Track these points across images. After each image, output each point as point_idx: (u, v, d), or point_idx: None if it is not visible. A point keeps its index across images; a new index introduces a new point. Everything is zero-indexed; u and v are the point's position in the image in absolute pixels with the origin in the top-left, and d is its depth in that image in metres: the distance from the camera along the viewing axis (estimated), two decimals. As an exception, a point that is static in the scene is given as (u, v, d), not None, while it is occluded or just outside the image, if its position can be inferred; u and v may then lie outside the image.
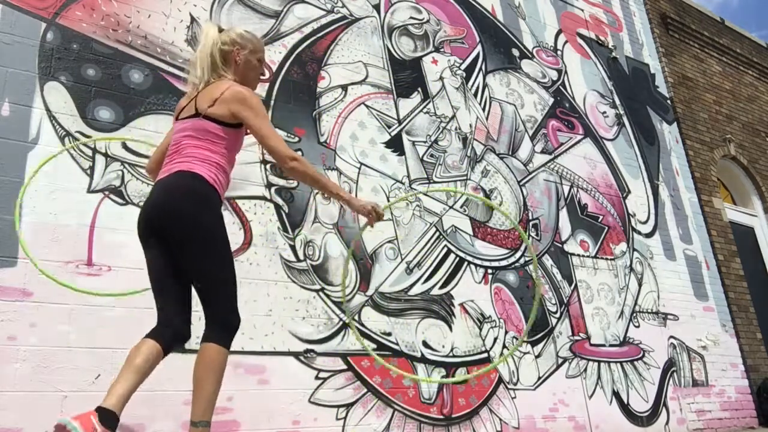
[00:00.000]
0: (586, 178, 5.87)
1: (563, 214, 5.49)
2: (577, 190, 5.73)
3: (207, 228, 2.21)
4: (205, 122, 2.33)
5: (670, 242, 6.31)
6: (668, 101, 7.35)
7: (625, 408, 5.02)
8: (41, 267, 2.95)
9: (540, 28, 6.32)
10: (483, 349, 4.39)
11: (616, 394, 5.01)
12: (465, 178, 4.92)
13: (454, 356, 4.23)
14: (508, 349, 4.51)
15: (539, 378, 4.59)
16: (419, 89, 4.97)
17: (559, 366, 4.75)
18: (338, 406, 3.63)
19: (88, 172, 3.29)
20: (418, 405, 3.93)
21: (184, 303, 2.29)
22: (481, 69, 5.53)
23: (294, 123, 4.15)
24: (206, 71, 2.43)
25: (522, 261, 4.94)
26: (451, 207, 4.71)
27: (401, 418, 3.83)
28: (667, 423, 5.26)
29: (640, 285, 5.75)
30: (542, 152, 5.62)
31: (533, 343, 4.70)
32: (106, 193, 3.30)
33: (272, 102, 4.11)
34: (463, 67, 5.38)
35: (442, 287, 4.38)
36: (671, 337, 5.75)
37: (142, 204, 2.41)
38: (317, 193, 4.04)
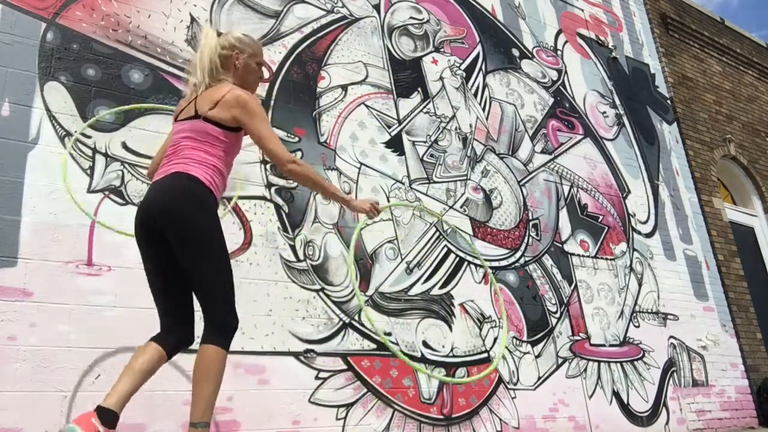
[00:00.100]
0: (586, 178, 5.87)
1: (563, 214, 5.49)
2: (577, 190, 5.73)
3: (202, 230, 2.22)
4: (205, 124, 2.34)
5: (670, 242, 6.31)
6: (668, 101, 7.35)
7: (625, 408, 5.02)
8: (41, 265, 2.96)
9: (540, 28, 6.32)
10: (483, 349, 4.39)
11: (616, 394, 5.01)
12: (465, 178, 4.92)
13: (454, 356, 4.23)
14: (507, 348, 4.51)
15: (539, 378, 4.59)
16: (419, 89, 4.97)
17: (559, 366, 4.75)
18: (338, 406, 3.63)
19: (88, 172, 3.29)
20: (418, 405, 3.93)
21: (185, 305, 2.31)
22: (481, 69, 5.53)
23: (294, 123, 4.15)
24: (206, 75, 2.44)
25: (522, 261, 4.94)
26: (451, 207, 4.71)
27: (401, 418, 3.83)
28: (667, 423, 5.26)
29: (640, 285, 5.75)
30: (542, 152, 5.62)
31: (533, 343, 4.70)
32: (106, 193, 3.30)
33: (272, 102, 4.11)
34: (463, 67, 5.38)
35: (442, 287, 4.38)
36: (671, 337, 5.75)
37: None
38: (317, 194, 4.04)
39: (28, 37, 3.32)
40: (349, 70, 4.60)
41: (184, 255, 2.21)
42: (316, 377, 3.62)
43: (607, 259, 5.61)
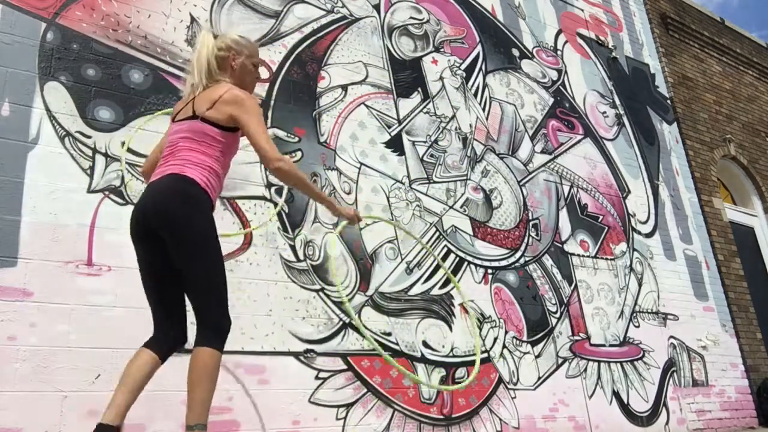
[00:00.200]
0: (586, 178, 5.87)
1: (563, 214, 5.49)
2: (577, 190, 5.73)
3: (197, 232, 2.22)
4: (203, 125, 2.34)
5: (670, 242, 6.31)
6: (668, 101, 7.35)
7: (625, 408, 5.02)
8: (41, 265, 2.96)
9: (540, 28, 6.32)
10: (483, 349, 4.39)
11: (616, 394, 5.01)
12: (465, 178, 4.92)
13: (454, 356, 4.23)
14: (507, 349, 4.51)
15: (539, 378, 4.59)
16: (419, 89, 4.97)
17: (559, 366, 4.75)
18: (338, 406, 3.63)
19: (88, 172, 3.29)
20: (418, 405, 3.93)
21: (179, 305, 2.33)
22: (481, 69, 5.53)
23: (294, 123, 4.15)
24: (203, 76, 2.46)
25: (522, 261, 4.94)
26: (451, 207, 4.71)
27: (401, 418, 3.83)
28: (667, 423, 5.26)
29: (640, 285, 5.75)
30: (542, 152, 5.62)
31: (533, 343, 4.70)
32: (106, 193, 3.30)
33: (272, 102, 4.11)
34: (463, 67, 5.38)
35: (442, 287, 4.38)
36: (671, 337, 5.75)
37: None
38: (317, 193, 4.04)
39: (28, 37, 3.32)
40: (349, 70, 4.60)
41: (179, 256, 2.22)
42: (316, 377, 3.62)
43: (607, 259, 5.61)
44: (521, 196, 5.23)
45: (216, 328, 2.21)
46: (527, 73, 5.91)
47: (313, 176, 4.08)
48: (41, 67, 3.30)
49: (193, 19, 3.98)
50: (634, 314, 5.54)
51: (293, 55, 4.35)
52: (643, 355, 5.41)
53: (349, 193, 4.20)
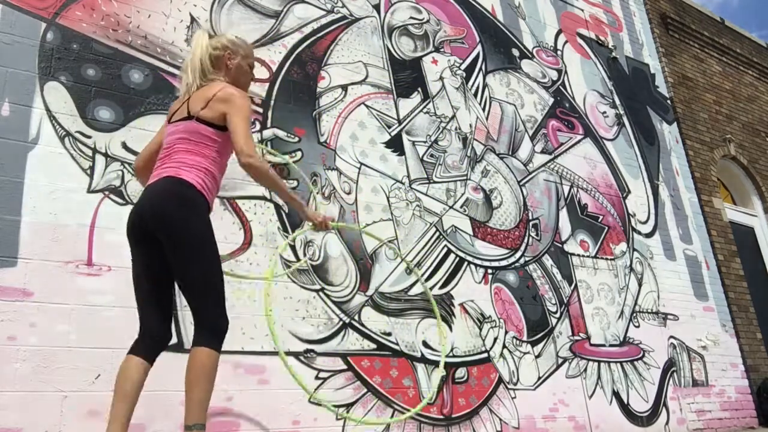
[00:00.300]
0: (586, 178, 5.87)
1: (563, 214, 5.49)
2: (577, 190, 5.73)
3: (194, 234, 2.23)
4: (198, 125, 2.35)
5: (670, 242, 6.31)
6: (668, 101, 7.35)
7: (625, 408, 5.02)
8: (41, 265, 2.96)
9: (540, 28, 6.32)
10: (483, 349, 4.39)
11: (616, 394, 5.01)
12: (465, 178, 4.92)
13: (454, 356, 4.23)
14: (507, 349, 4.51)
15: (539, 378, 4.59)
16: (419, 89, 4.97)
17: (559, 366, 4.75)
18: (338, 406, 3.63)
19: (88, 172, 3.29)
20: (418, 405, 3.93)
21: (169, 306, 2.35)
22: (481, 69, 5.53)
23: (294, 123, 4.15)
24: (197, 75, 2.47)
25: (522, 261, 4.94)
26: (451, 207, 4.71)
27: (401, 418, 3.83)
28: (667, 423, 5.26)
29: (640, 285, 5.75)
30: (542, 152, 5.62)
31: (533, 343, 4.70)
32: (106, 193, 3.30)
33: (272, 102, 4.11)
34: (463, 67, 5.38)
35: (442, 287, 4.38)
36: (671, 337, 5.75)
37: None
38: (317, 193, 4.04)
39: (28, 37, 3.32)
40: (349, 70, 4.60)
41: (176, 259, 2.24)
42: (316, 377, 3.62)
43: (607, 259, 5.61)
44: (521, 196, 5.23)
45: (213, 329, 2.22)
46: (527, 73, 5.91)
47: (313, 176, 4.08)
48: (41, 67, 3.30)
49: (193, 19, 3.98)
50: (634, 314, 5.54)
51: (293, 55, 4.35)
52: (643, 355, 5.41)
53: (349, 193, 4.20)
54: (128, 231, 2.34)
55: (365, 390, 3.77)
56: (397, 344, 4.00)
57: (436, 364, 4.12)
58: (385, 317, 4.02)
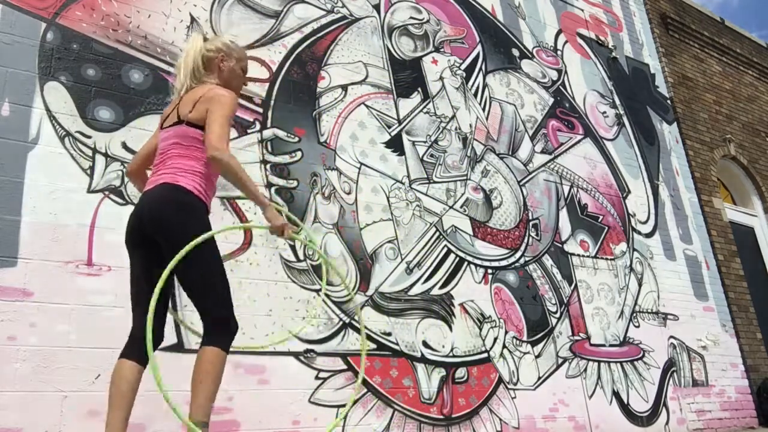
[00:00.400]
0: (586, 178, 5.87)
1: (563, 214, 5.49)
2: (577, 190, 5.73)
3: (192, 237, 2.23)
4: (187, 128, 2.36)
5: (670, 242, 6.31)
6: (668, 101, 7.35)
7: (625, 408, 5.02)
8: (41, 265, 2.96)
9: (540, 28, 6.32)
10: (483, 349, 4.39)
11: (616, 394, 5.01)
12: (465, 178, 4.92)
13: (454, 356, 4.23)
14: (507, 349, 4.51)
15: (539, 378, 4.59)
16: (419, 89, 4.97)
17: (559, 366, 4.75)
18: (338, 406, 3.63)
19: (88, 172, 3.29)
20: (418, 405, 3.93)
21: (166, 308, 2.37)
22: (481, 69, 5.53)
23: (294, 123, 4.15)
24: (188, 77, 2.47)
25: (522, 261, 4.94)
26: (451, 207, 4.71)
27: (401, 418, 3.83)
28: (667, 423, 5.26)
29: (640, 285, 5.75)
30: (542, 152, 5.62)
31: (533, 343, 4.70)
32: (106, 193, 3.30)
33: (272, 102, 4.11)
34: (463, 67, 5.38)
35: (442, 287, 4.38)
36: (671, 337, 5.75)
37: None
38: (317, 193, 4.04)
39: (28, 37, 3.32)
40: (349, 70, 4.60)
41: (179, 265, 2.24)
42: (316, 377, 3.62)
43: (607, 259, 5.61)
44: (521, 196, 5.23)
45: (221, 328, 2.25)
46: (527, 73, 5.91)
47: (313, 176, 4.08)
48: (41, 67, 3.31)
49: (193, 19, 3.98)
50: (634, 314, 5.54)
51: (293, 55, 4.35)
52: (643, 355, 5.41)
53: (349, 193, 4.21)
54: (127, 236, 2.37)
55: (365, 390, 3.77)
56: (397, 344, 4.00)
57: (436, 364, 4.12)
58: (385, 317, 4.02)
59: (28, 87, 3.24)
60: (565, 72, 6.29)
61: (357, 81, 4.60)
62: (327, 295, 3.85)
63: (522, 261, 4.94)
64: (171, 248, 2.23)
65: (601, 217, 5.79)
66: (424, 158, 4.74)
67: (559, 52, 6.36)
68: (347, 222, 4.11)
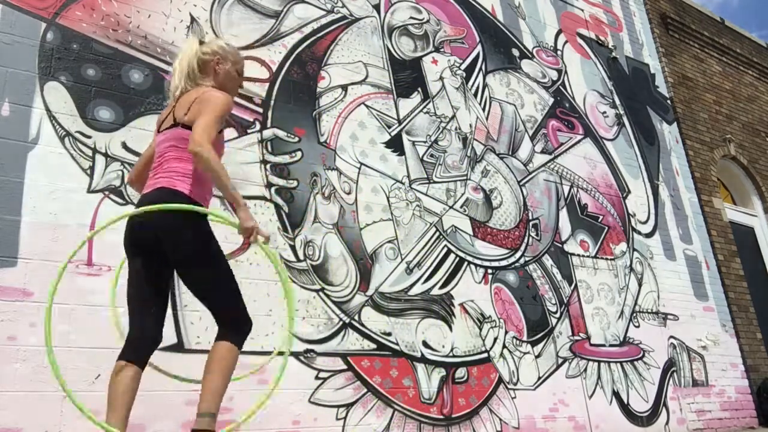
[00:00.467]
0: (586, 178, 5.87)
1: (563, 214, 5.49)
2: (577, 190, 5.73)
3: (192, 240, 2.24)
4: (183, 131, 2.36)
5: (670, 242, 6.31)
6: (668, 101, 7.35)
7: (625, 408, 5.02)
8: (41, 265, 2.96)
9: (540, 28, 6.32)
10: (483, 349, 4.39)
11: (616, 394, 5.01)
12: (465, 178, 4.92)
13: (454, 356, 4.23)
14: (507, 349, 4.51)
15: (539, 378, 4.59)
16: (419, 89, 4.97)
17: (559, 366, 4.75)
18: (338, 406, 3.64)
19: (88, 172, 3.29)
20: (418, 405, 3.93)
21: (161, 313, 2.36)
22: (481, 69, 5.53)
23: (294, 123, 4.15)
24: (183, 79, 2.47)
25: (522, 261, 4.94)
26: (451, 207, 4.71)
27: (401, 418, 3.83)
28: (667, 423, 5.26)
29: (640, 285, 5.75)
30: (542, 152, 5.62)
31: (533, 343, 4.70)
32: (106, 193, 3.30)
33: (272, 102, 4.11)
34: (463, 67, 5.38)
35: (442, 287, 4.38)
36: (671, 337, 5.75)
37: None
38: (317, 193, 4.04)
39: (28, 37, 3.32)
40: (349, 70, 4.60)
41: (182, 269, 2.29)
42: (316, 377, 3.62)
43: (607, 259, 5.61)
44: (521, 196, 5.23)
45: (235, 326, 2.31)
46: (527, 73, 5.91)
47: (313, 176, 4.08)
48: (41, 67, 3.31)
49: (193, 19, 3.98)
50: (634, 314, 5.54)
51: (293, 55, 4.35)
52: (643, 355, 5.41)
53: (349, 193, 4.21)
54: (125, 240, 2.37)
55: (365, 390, 3.77)
56: (397, 344, 4.00)
57: (436, 364, 4.12)
58: (385, 317, 4.02)
59: (28, 87, 3.24)
60: (565, 72, 6.29)
61: (357, 81, 4.60)
62: (327, 295, 3.85)
63: (522, 261, 4.94)
64: (174, 258, 2.26)
65: (601, 217, 5.79)
66: (424, 158, 4.74)
67: (559, 52, 6.36)
68: (347, 222, 4.11)
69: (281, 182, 3.93)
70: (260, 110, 4.03)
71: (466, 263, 4.58)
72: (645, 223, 6.18)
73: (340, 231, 4.05)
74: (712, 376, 5.93)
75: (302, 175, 4.04)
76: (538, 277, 4.98)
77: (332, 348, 3.74)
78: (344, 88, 4.51)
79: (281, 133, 4.05)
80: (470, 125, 5.17)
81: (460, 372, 4.21)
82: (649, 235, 6.13)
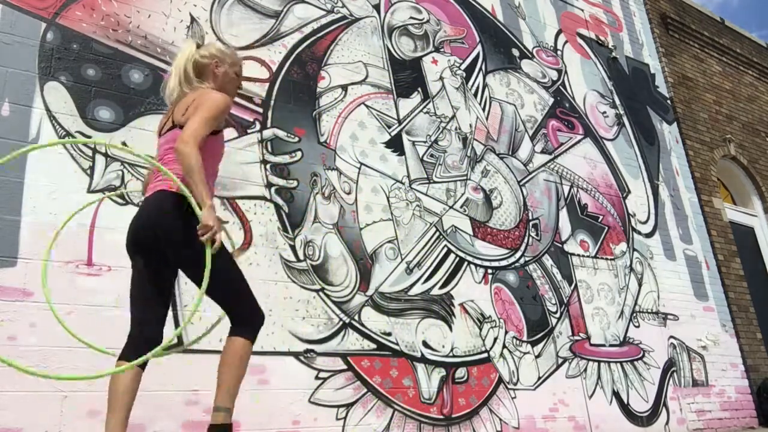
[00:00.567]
0: (586, 178, 5.87)
1: (563, 214, 5.49)
2: (577, 190, 5.73)
3: (192, 240, 2.24)
4: (181, 132, 2.35)
5: (670, 242, 6.31)
6: (668, 101, 7.35)
7: (625, 408, 5.02)
8: (40, 266, 2.96)
9: (540, 28, 6.32)
10: (483, 349, 4.39)
11: (616, 394, 5.01)
12: (465, 178, 4.92)
13: (454, 356, 4.23)
14: (507, 349, 4.51)
15: (539, 378, 4.59)
16: (419, 89, 4.97)
17: (559, 366, 4.75)
18: (338, 406, 3.63)
19: (88, 172, 3.29)
20: (418, 405, 3.93)
21: (163, 312, 2.37)
22: (481, 69, 5.53)
23: (294, 123, 4.15)
24: (179, 80, 2.48)
25: (522, 261, 4.94)
26: (451, 207, 4.71)
27: (401, 418, 3.83)
28: (667, 423, 5.26)
29: (640, 285, 5.75)
30: (542, 152, 5.62)
31: (533, 343, 4.70)
32: (106, 193, 3.29)
33: (272, 102, 4.11)
34: (463, 67, 5.38)
35: (442, 287, 4.38)
36: (671, 337, 5.75)
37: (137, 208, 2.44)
38: (317, 193, 4.04)
39: (28, 37, 3.32)
40: (349, 70, 4.60)
41: (184, 267, 2.30)
42: (316, 377, 3.62)
43: (607, 259, 5.61)
44: (521, 196, 5.23)
45: (247, 321, 2.31)
46: (527, 73, 5.91)
47: (313, 176, 4.08)
48: (41, 67, 3.31)
49: (193, 19, 3.98)
50: (634, 314, 5.54)
51: (293, 55, 4.35)
52: (643, 355, 5.41)
53: (349, 193, 4.21)
54: (128, 242, 2.38)
55: (365, 390, 3.77)
56: (397, 344, 4.00)
57: (436, 364, 4.12)
58: (385, 317, 4.02)
59: (28, 87, 3.24)
60: (565, 72, 6.29)
61: (357, 81, 4.60)
62: (327, 295, 3.85)
63: (522, 261, 4.94)
64: (173, 254, 2.26)
65: (601, 217, 5.79)
66: (424, 158, 4.74)
67: (559, 52, 6.36)
68: (347, 222, 4.11)
69: (281, 182, 3.93)
70: (260, 110, 4.03)
71: (466, 263, 4.59)
72: (645, 223, 6.18)
73: (340, 231, 4.05)
74: (712, 376, 5.93)
75: (302, 175, 4.04)
76: (538, 277, 4.98)
77: (332, 348, 3.74)
78: (344, 88, 4.51)
79: (281, 133, 4.05)
80: (470, 125, 5.17)
81: (460, 372, 4.21)
82: (649, 235, 6.13)
